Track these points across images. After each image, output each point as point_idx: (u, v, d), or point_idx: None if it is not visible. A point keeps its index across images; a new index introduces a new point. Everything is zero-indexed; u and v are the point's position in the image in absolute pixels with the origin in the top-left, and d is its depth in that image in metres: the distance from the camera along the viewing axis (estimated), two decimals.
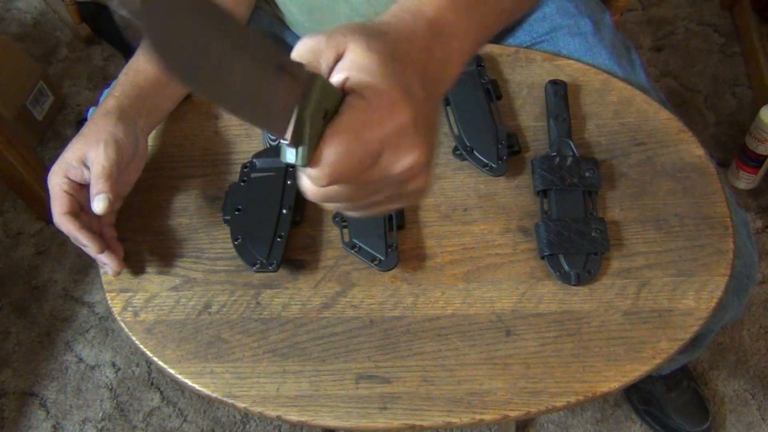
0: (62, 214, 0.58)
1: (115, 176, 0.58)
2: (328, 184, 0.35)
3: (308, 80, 0.34)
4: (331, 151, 0.34)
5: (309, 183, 0.37)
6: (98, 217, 0.60)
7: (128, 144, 0.60)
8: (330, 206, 0.40)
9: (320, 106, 0.34)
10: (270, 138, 0.67)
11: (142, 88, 0.63)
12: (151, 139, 0.68)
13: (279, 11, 0.83)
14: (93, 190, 0.57)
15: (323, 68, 0.36)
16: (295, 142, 0.34)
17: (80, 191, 0.59)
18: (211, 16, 0.30)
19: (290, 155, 0.35)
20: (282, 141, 0.34)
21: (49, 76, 1.57)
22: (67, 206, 0.58)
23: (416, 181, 0.38)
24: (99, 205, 0.57)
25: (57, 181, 0.58)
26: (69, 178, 0.59)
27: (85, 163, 0.59)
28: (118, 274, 0.60)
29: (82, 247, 0.59)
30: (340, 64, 0.36)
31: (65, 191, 0.58)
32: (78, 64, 1.69)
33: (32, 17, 1.79)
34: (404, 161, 0.36)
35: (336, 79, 0.35)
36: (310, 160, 0.34)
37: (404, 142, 0.36)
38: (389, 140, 0.35)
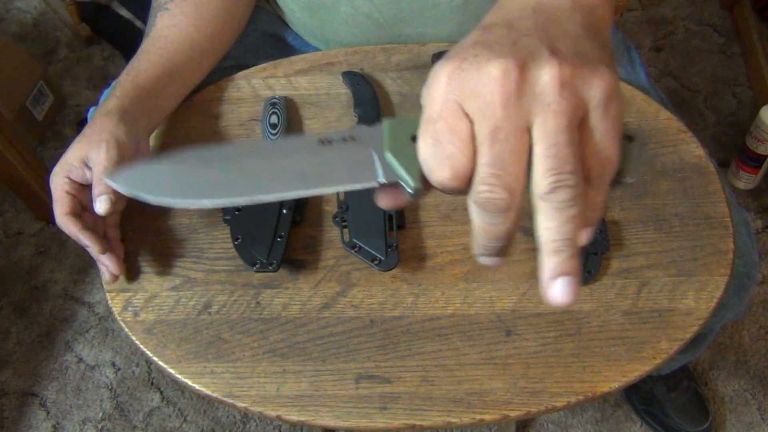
0: (64, 215, 0.58)
1: None
2: (455, 175, 0.31)
3: (374, 128, 0.35)
4: (422, 148, 0.32)
5: (475, 207, 0.31)
6: (102, 218, 0.60)
7: (130, 144, 0.60)
8: (557, 201, 0.30)
9: (401, 137, 0.34)
10: (270, 134, 0.67)
11: (143, 88, 0.63)
12: (151, 139, 0.68)
13: (279, 10, 0.83)
14: (95, 190, 0.57)
15: None
16: (394, 178, 0.34)
17: (82, 192, 0.59)
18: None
19: (406, 189, 0.34)
20: (397, 186, 0.35)
21: (49, 76, 1.57)
22: (68, 207, 0.58)
23: (543, 70, 0.30)
24: (101, 206, 0.57)
25: (59, 182, 0.58)
26: (71, 179, 0.59)
27: (87, 164, 0.59)
28: (116, 279, 0.60)
29: (86, 248, 0.59)
30: None
31: (67, 192, 0.58)
32: (78, 64, 1.69)
33: (32, 17, 1.79)
34: (484, 74, 0.30)
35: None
36: (421, 179, 0.33)
37: (469, 65, 0.30)
38: (452, 90, 0.31)
